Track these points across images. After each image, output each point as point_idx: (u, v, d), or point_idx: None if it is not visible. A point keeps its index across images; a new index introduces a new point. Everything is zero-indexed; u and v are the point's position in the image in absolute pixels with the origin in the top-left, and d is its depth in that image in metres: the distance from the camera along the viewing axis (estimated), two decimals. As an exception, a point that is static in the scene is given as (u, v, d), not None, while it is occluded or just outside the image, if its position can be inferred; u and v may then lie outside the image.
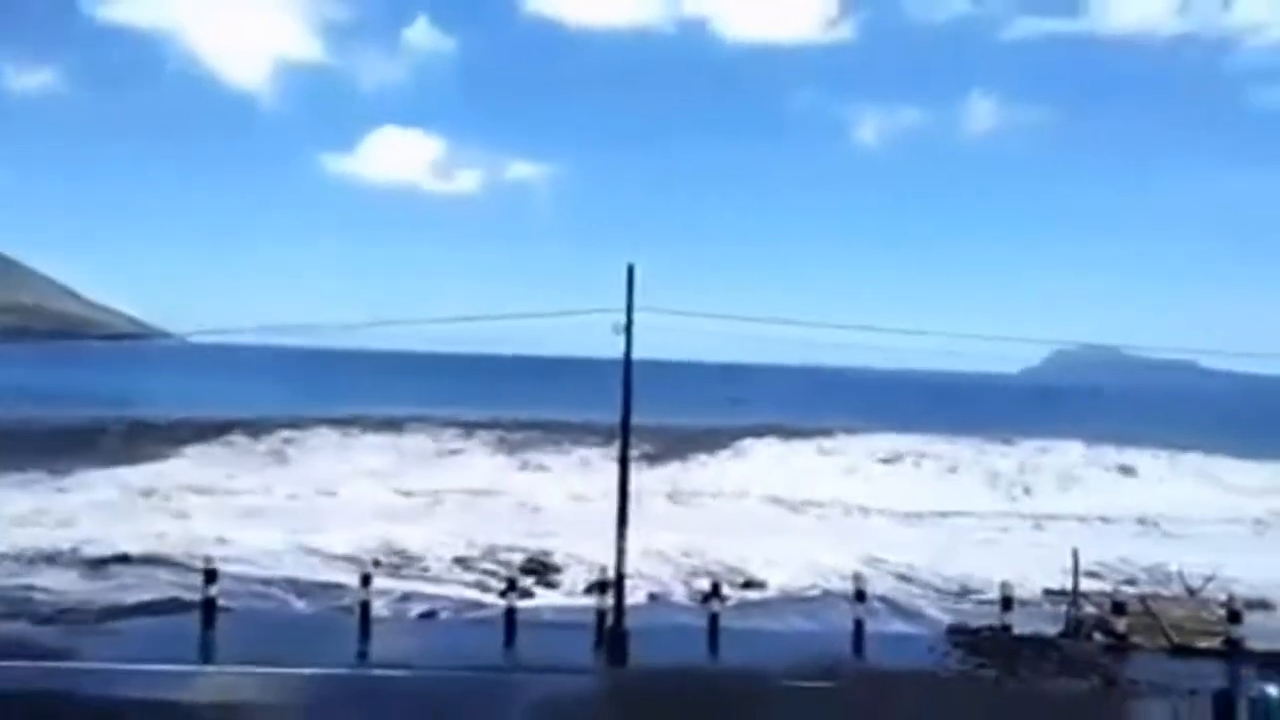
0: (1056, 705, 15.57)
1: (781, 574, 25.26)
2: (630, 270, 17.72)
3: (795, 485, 38.36)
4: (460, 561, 26.40)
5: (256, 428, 44.54)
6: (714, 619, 19.10)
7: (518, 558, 26.19)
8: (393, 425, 46.94)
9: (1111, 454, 44.11)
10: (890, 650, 18.38)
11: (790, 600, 23.46)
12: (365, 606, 19.13)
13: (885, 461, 43.56)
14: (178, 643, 17.45)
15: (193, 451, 40.85)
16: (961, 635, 19.31)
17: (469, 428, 47.14)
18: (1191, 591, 21.99)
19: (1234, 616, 18.64)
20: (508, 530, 29.34)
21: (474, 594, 22.91)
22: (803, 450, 45.25)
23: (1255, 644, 18.43)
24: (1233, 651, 18.10)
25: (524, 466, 41.86)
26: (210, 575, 19.07)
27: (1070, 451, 44.60)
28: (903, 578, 25.68)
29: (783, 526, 32.39)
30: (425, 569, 25.36)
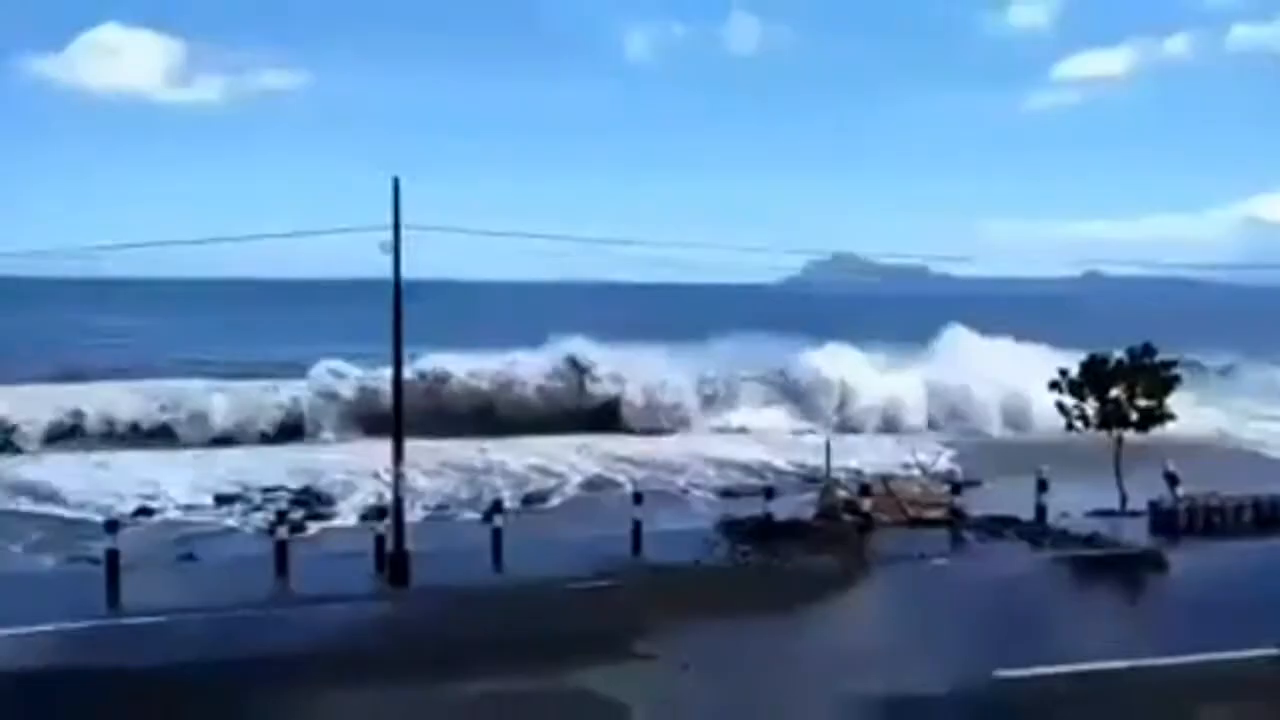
0: (810, 580, 17.12)
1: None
2: (396, 184, 16.98)
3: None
4: (225, 500, 25.04)
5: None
6: (497, 533, 19.29)
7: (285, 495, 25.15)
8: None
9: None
10: (671, 546, 19.36)
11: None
12: (113, 555, 17.62)
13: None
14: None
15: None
16: (729, 526, 20.74)
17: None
18: (924, 470, 24.77)
19: (956, 489, 21.26)
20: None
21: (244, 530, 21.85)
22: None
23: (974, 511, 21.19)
24: (955, 520, 20.66)
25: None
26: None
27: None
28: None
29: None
30: (190, 509, 23.87)
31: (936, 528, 20.43)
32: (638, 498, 20.29)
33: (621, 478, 28.19)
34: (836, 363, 40.43)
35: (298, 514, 21.93)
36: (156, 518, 23.64)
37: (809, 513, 21.56)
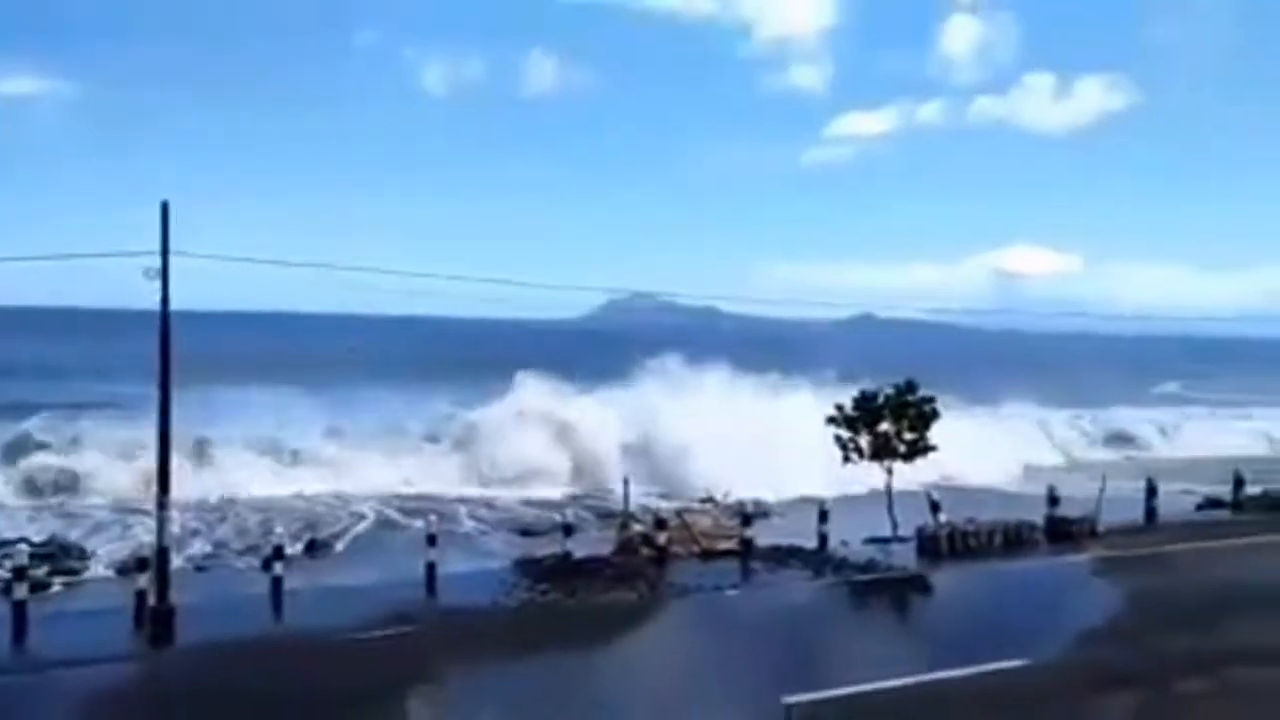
0: (608, 616, 17.16)
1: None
2: (164, 207, 15.71)
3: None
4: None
5: None
6: (277, 582, 18.03)
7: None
8: None
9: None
10: (468, 587, 18.80)
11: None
12: None
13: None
14: None
15: None
16: (528, 565, 20.46)
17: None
18: (714, 502, 25.56)
19: (746, 520, 22.09)
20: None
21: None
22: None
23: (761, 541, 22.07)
24: (745, 550, 21.43)
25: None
26: None
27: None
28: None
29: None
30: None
31: (729, 558, 21.12)
32: (431, 539, 19.65)
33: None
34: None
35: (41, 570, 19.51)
36: None
37: (608, 549, 21.71)
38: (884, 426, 24.04)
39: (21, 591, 16.12)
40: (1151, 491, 25.95)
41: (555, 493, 32.81)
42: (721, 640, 16.31)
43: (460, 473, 34.75)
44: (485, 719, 12.13)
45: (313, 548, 24.54)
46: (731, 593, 18.75)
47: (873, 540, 23.00)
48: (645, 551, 21.28)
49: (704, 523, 23.43)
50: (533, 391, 39.68)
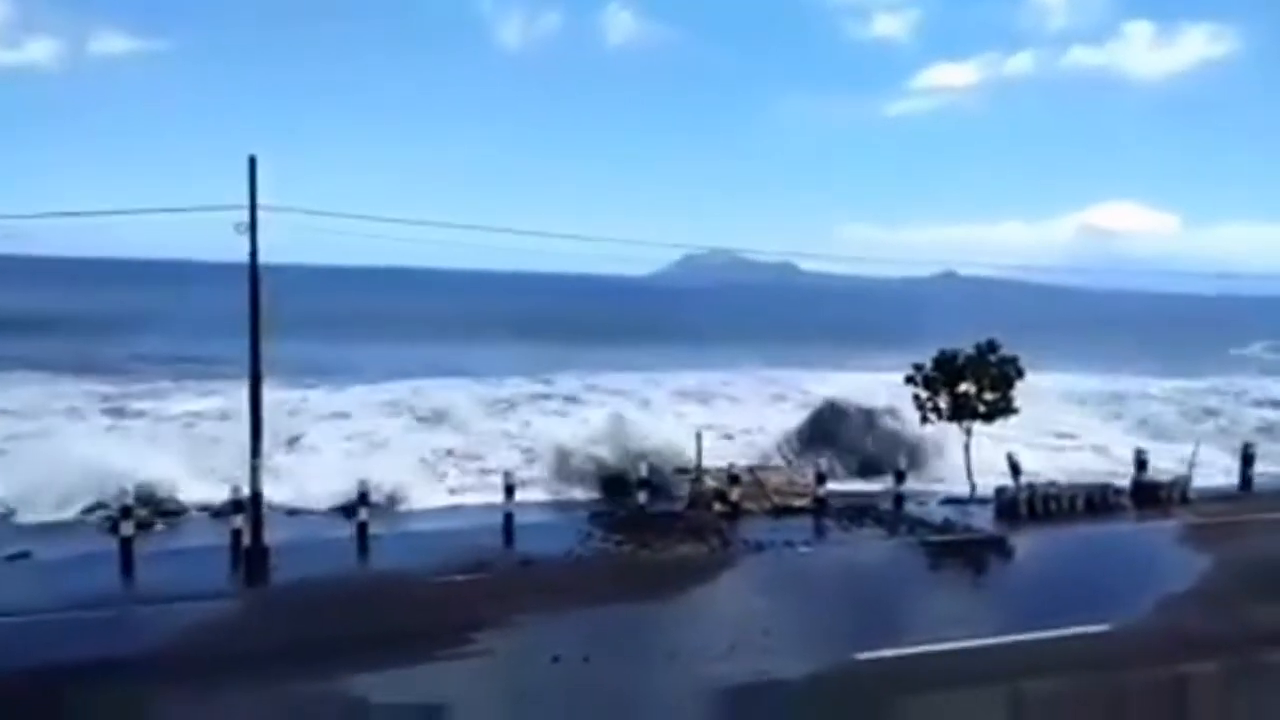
0: (681, 568, 17.40)
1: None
2: (252, 162, 16.18)
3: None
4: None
5: None
6: (361, 527, 18.77)
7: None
8: None
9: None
10: (543, 537, 19.24)
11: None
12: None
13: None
14: None
15: None
16: (602, 517, 20.85)
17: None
18: (789, 461, 25.52)
19: (820, 478, 22.00)
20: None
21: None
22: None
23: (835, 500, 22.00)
24: (818, 508, 21.39)
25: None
26: None
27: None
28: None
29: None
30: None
31: (801, 516, 21.14)
32: (509, 490, 20.14)
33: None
34: None
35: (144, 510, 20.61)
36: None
37: (679, 502, 21.93)
38: (964, 387, 23.57)
39: (128, 529, 17.14)
40: (1247, 460, 24.93)
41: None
42: (794, 596, 16.42)
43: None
44: (560, 663, 12.46)
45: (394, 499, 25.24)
46: (804, 549, 18.79)
47: (950, 501, 22.71)
48: (718, 507, 21.46)
49: (776, 479, 23.48)
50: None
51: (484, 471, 24.88)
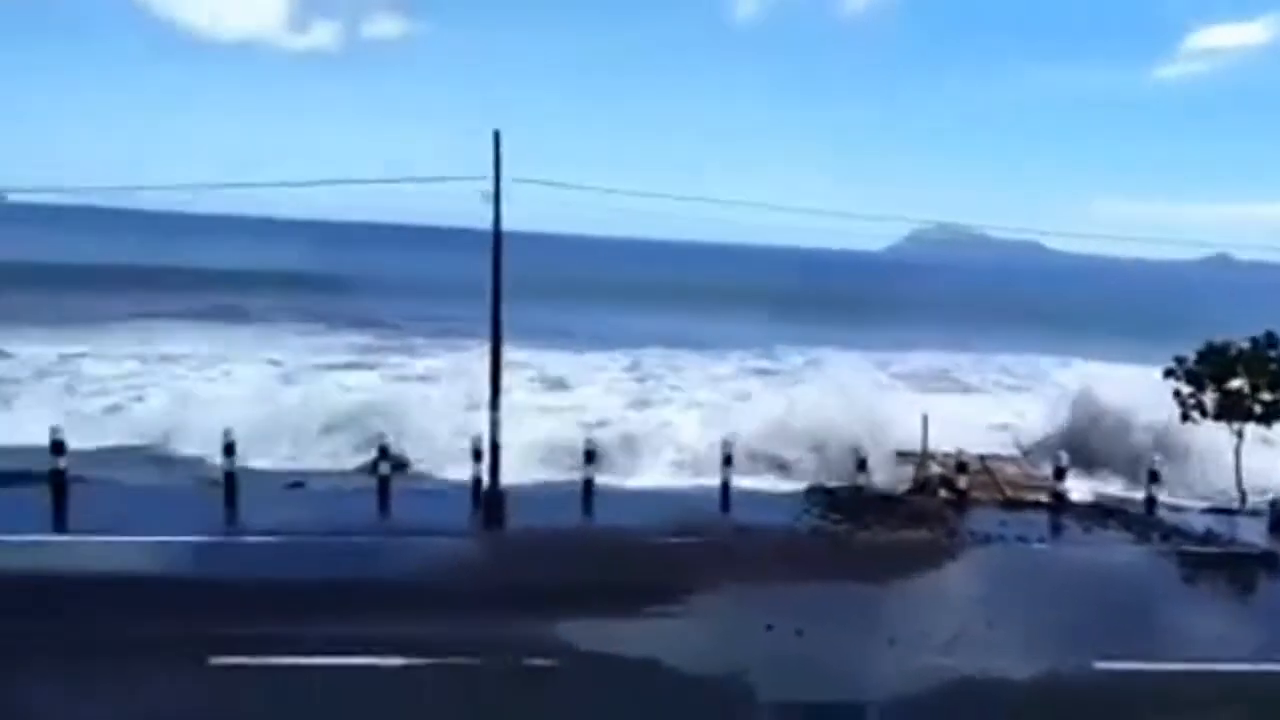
0: (902, 553, 16.88)
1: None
2: (497, 136, 17.20)
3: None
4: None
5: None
6: (588, 482, 19.66)
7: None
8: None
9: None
10: (759, 507, 19.33)
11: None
12: (230, 476, 18.68)
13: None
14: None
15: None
16: (819, 493, 20.59)
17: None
18: (1025, 452, 23.99)
19: (1059, 474, 20.49)
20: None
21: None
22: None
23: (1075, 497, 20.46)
24: (1056, 504, 19.96)
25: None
26: (57, 446, 18.14)
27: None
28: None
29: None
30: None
31: (1036, 510, 19.85)
32: (727, 459, 20.31)
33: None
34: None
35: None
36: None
37: (901, 486, 21.23)
38: (1235, 383, 21.09)
39: (385, 469, 18.98)
40: None
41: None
42: (1024, 593, 15.45)
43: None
44: (772, 632, 12.51)
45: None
46: (1038, 546, 17.66)
47: (1213, 510, 20.48)
48: (943, 494, 20.59)
49: (1009, 470, 22.18)
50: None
51: (697, 444, 25.19)
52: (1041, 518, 19.45)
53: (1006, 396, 33.34)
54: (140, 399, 27.10)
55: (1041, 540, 18.02)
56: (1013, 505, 20.14)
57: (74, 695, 10.59)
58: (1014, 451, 24.43)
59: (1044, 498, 20.37)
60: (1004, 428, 26.59)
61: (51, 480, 17.91)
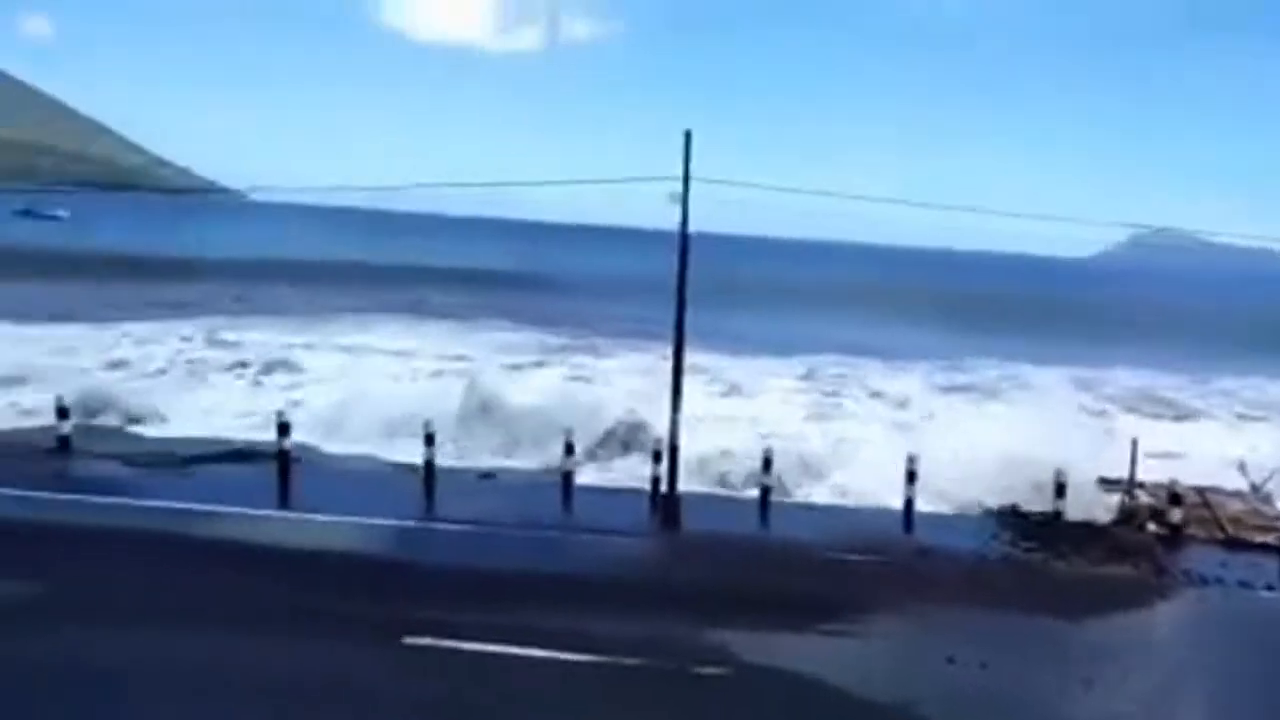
0: (1103, 590, 15.68)
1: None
2: (688, 136, 17.30)
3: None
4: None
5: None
6: (765, 491, 19.50)
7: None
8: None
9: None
10: (944, 530, 18.55)
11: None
12: (429, 465, 19.86)
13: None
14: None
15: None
16: (1011, 518, 19.43)
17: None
18: (1255, 487, 21.66)
19: (1295, 513, 18.39)
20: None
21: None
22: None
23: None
24: (1289, 547, 17.91)
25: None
26: (284, 428, 19.92)
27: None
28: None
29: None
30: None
31: (1264, 553, 17.88)
32: (911, 476, 19.55)
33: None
34: None
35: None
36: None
37: (1104, 516, 19.69)
38: None
39: (569, 465, 19.62)
40: None
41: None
42: (1248, 647, 13.87)
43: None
44: (954, 665, 11.95)
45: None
46: (1265, 594, 15.89)
47: None
48: (1152, 527, 18.94)
49: (1233, 506, 20.10)
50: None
51: (879, 460, 24.27)
52: (1271, 561, 17.47)
53: (1236, 425, 30.15)
54: (336, 389, 28.63)
55: (1270, 588, 16.20)
56: (1235, 545, 18.23)
57: (293, 656, 11.64)
58: (1240, 486, 22.11)
59: (1274, 540, 18.33)
60: (1232, 462, 24.06)
61: (278, 459, 19.69)
